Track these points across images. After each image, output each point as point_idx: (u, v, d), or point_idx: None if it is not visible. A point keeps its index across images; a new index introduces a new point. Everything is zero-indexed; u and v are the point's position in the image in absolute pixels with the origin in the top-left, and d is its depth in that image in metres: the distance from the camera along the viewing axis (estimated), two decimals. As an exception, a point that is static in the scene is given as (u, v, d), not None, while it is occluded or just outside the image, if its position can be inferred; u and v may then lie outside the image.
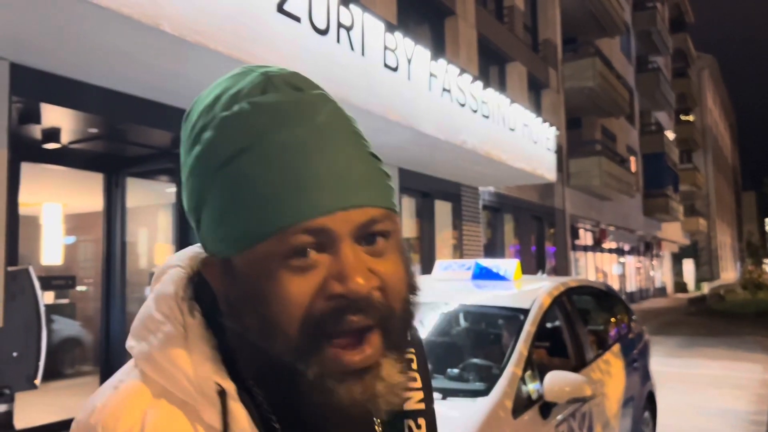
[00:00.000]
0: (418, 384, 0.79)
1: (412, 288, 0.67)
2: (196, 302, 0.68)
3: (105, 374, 6.87)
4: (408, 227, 11.08)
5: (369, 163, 0.64)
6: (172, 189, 6.99)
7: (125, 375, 0.67)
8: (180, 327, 0.65)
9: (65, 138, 6.10)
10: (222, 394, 0.62)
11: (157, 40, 4.40)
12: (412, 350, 0.80)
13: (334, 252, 0.60)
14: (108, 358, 6.92)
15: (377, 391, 0.61)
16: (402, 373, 0.64)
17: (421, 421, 0.76)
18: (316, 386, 0.60)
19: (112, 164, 6.98)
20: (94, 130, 6.05)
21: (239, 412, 0.62)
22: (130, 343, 0.68)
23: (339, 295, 0.59)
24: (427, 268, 10.73)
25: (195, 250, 0.73)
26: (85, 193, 7.62)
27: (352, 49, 6.15)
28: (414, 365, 0.80)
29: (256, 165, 0.60)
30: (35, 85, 4.95)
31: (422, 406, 0.77)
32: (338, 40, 5.93)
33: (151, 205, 7.85)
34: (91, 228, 7.72)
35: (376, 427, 0.73)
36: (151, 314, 0.67)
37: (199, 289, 0.68)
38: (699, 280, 43.11)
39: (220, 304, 0.65)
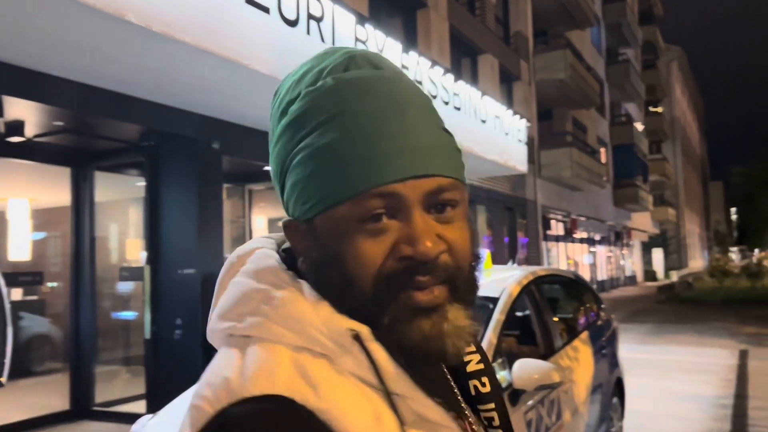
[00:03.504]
0: (475, 348, 0.85)
1: (476, 256, 0.73)
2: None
3: (75, 371, 6.78)
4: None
5: (440, 136, 0.70)
6: (141, 183, 6.89)
7: (232, 362, 0.65)
8: (294, 290, 0.67)
9: (30, 131, 5.98)
10: (357, 338, 0.64)
11: (122, 31, 4.33)
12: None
13: (405, 217, 0.65)
14: (78, 355, 6.83)
15: (444, 330, 0.66)
16: (468, 320, 0.68)
17: (485, 380, 0.82)
18: (391, 329, 0.65)
19: (79, 158, 6.87)
20: (59, 123, 5.95)
21: (379, 352, 0.64)
22: (221, 326, 0.69)
23: (408, 256, 0.64)
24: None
25: (263, 236, 0.80)
26: (53, 187, 7.49)
27: (323, 40, 6.12)
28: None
29: (338, 134, 0.65)
30: (-3, 78, 4.85)
31: (482, 366, 0.83)
32: (308, 32, 5.90)
33: (121, 200, 7.74)
34: (59, 223, 7.58)
35: (452, 385, 0.80)
36: (255, 287, 0.69)
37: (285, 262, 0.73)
38: (668, 268, 43.87)
39: (301, 263, 0.70)
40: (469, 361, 0.83)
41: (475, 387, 0.82)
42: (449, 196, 0.68)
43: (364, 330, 0.65)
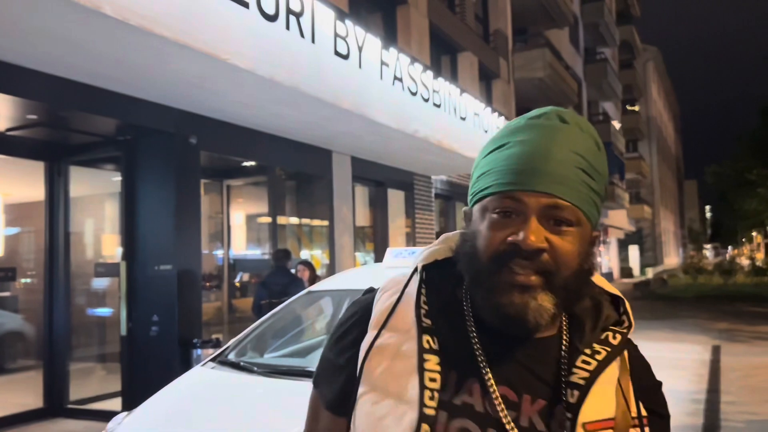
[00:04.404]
0: (591, 367, 0.93)
1: (584, 269, 0.92)
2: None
3: (49, 369, 6.68)
4: (361, 216, 11.08)
5: (575, 173, 0.90)
6: (117, 178, 6.80)
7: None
8: (438, 243, 1.06)
9: (2, 125, 5.88)
10: (414, 271, 1.01)
11: (98, 24, 4.26)
12: (625, 351, 0.97)
13: (523, 218, 0.89)
14: (52, 352, 6.73)
15: (530, 305, 0.88)
16: (552, 305, 0.89)
17: (576, 393, 0.92)
18: (490, 293, 0.90)
19: (54, 152, 6.76)
20: (33, 117, 5.84)
21: (412, 286, 0.99)
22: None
23: (513, 242, 0.88)
24: (380, 257, 10.75)
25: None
26: (26, 182, 7.37)
27: (302, 35, 6.09)
28: (599, 357, 0.94)
29: (502, 153, 0.93)
30: (-31, 69, 4.75)
31: (582, 382, 0.92)
32: (288, 27, 5.87)
33: (97, 195, 7.64)
34: (33, 218, 7.47)
35: (562, 361, 0.94)
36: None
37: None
38: (644, 265, 44.42)
39: (461, 238, 1.00)
40: (575, 373, 0.93)
41: (565, 393, 0.92)
42: (563, 214, 0.89)
43: (419, 266, 1.00)
